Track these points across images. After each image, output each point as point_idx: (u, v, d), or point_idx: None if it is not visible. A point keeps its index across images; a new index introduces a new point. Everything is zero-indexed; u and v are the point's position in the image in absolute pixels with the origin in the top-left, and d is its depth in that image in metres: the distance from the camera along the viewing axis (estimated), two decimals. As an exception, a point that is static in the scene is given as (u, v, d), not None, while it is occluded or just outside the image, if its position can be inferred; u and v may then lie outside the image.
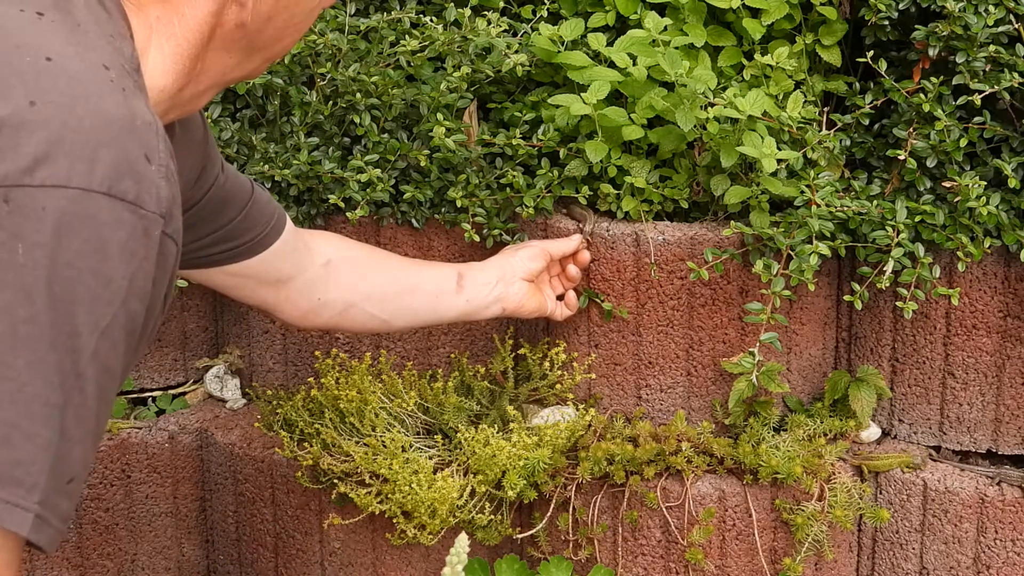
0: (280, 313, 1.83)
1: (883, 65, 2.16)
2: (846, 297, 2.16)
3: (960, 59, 2.08)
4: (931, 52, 2.11)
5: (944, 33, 2.08)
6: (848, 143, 2.22)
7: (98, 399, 0.99)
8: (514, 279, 2.04)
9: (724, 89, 2.15)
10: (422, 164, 2.15)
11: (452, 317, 2.03)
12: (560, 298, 2.14)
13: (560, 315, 2.13)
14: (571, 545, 2.16)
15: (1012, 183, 2.05)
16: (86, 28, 1.06)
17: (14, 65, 0.98)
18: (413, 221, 2.19)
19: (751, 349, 2.10)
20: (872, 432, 2.23)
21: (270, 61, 1.26)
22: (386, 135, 2.19)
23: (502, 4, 2.31)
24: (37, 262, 0.94)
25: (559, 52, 2.18)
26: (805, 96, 2.20)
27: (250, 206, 1.66)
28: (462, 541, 1.08)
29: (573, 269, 2.11)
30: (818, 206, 2.06)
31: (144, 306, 1.02)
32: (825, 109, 2.23)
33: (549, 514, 2.16)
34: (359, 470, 2.10)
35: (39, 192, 0.94)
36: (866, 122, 2.21)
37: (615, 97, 2.17)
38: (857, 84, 2.25)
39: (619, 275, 2.14)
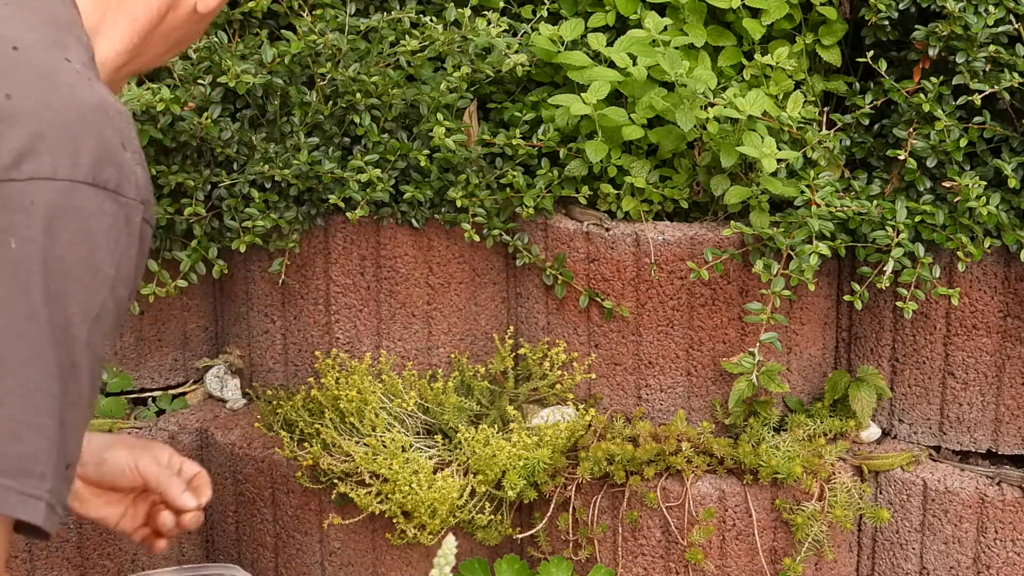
0: None
1: (883, 65, 2.16)
2: (846, 297, 2.16)
3: (960, 59, 2.08)
4: (931, 52, 2.11)
5: (944, 33, 2.08)
6: (848, 143, 2.22)
7: (90, 385, 1.01)
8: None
9: (724, 89, 2.15)
10: (422, 164, 2.15)
11: None
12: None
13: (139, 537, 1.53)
14: (571, 545, 2.16)
15: (1012, 183, 2.05)
16: (42, 15, 1.07)
17: None
18: (413, 221, 2.19)
19: (751, 349, 2.10)
20: (872, 432, 2.23)
21: (168, 60, 1.27)
22: (386, 135, 2.19)
23: (502, 4, 2.31)
24: (31, 256, 0.95)
25: (559, 52, 2.18)
26: (805, 96, 2.20)
27: None
28: (449, 543, 1.09)
29: (168, 517, 1.48)
30: (818, 206, 2.06)
31: (128, 291, 1.03)
32: (825, 109, 2.23)
33: (549, 514, 2.16)
34: (359, 470, 2.10)
35: (27, 186, 0.95)
36: (866, 122, 2.21)
37: (615, 97, 2.17)
38: (857, 84, 2.25)
39: (619, 275, 2.14)
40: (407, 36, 2.19)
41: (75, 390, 0.99)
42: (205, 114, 2.14)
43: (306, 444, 2.17)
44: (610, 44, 2.18)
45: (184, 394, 2.42)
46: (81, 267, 0.98)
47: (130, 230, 1.01)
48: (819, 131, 2.17)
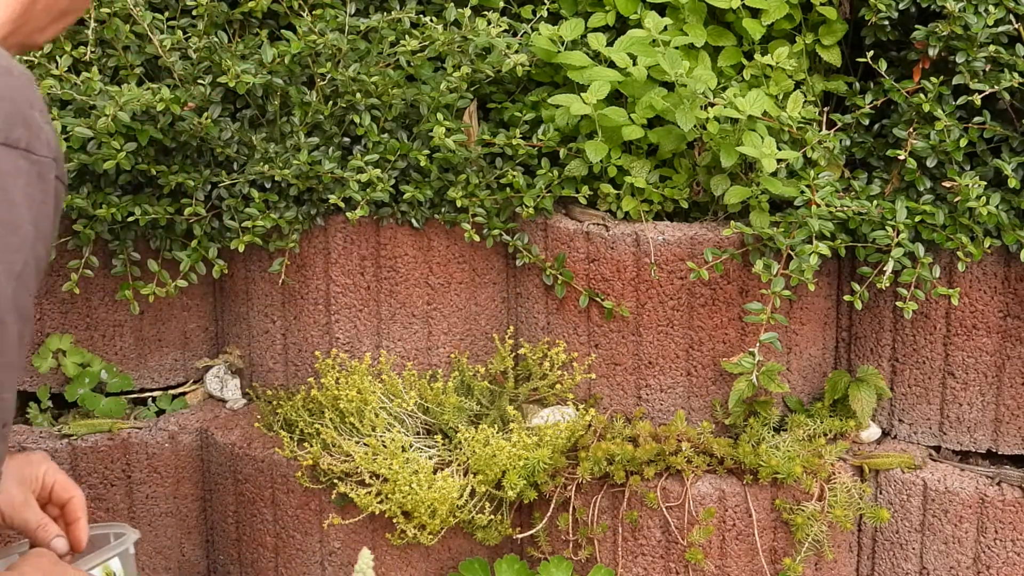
0: None
1: (883, 65, 2.16)
2: (846, 297, 2.16)
3: (960, 59, 2.08)
4: (931, 52, 2.11)
5: (944, 33, 2.08)
6: (848, 143, 2.22)
7: (18, 344, 1.02)
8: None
9: (724, 89, 2.15)
10: (422, 164, 2.15)
11: None
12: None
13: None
14: (571, 545, 2.16)
15: (1012, 183, 2.05)
16: None
17: None
18: (413, 221, 2.20)
19: (751, 349, 2.10)
20: (872, 432, 2.23)
21: (50, 40, 1.27)
22: (386, 135, 2.19)
23: (502, 4, 2.31)
24: None
25: (559, 52, 2.18)
26: (805, 96, 2.20)
27: None
28: (365, 557, 1.09)
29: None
30: (818, 206, 2.06)
31: (45, 250, 1.05)
32: (825, 109, 2.23)
33: (549, 514, 2.16)
34: (359, 470, 2.10)
35: None
36: (866, 122, 2.21)
37: (615, 97, 2.17)
38: (857, 84, 2.25)
39: (619, 275, 2.14)
40: (407, 36, 2.19)
41: (5, 348, 1.00)
42: (205, 114, 2.14)
43: (306, 444, 2.17)
44: (610, 44, 2.18)
45: (184, 394, 2.42)
46: (1, 225, 0.99)
47: (44, 187, 1.02)
48: (819, 131, 2.17)
